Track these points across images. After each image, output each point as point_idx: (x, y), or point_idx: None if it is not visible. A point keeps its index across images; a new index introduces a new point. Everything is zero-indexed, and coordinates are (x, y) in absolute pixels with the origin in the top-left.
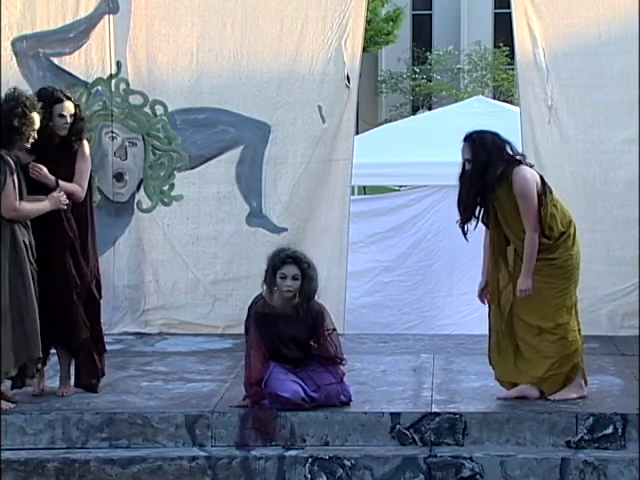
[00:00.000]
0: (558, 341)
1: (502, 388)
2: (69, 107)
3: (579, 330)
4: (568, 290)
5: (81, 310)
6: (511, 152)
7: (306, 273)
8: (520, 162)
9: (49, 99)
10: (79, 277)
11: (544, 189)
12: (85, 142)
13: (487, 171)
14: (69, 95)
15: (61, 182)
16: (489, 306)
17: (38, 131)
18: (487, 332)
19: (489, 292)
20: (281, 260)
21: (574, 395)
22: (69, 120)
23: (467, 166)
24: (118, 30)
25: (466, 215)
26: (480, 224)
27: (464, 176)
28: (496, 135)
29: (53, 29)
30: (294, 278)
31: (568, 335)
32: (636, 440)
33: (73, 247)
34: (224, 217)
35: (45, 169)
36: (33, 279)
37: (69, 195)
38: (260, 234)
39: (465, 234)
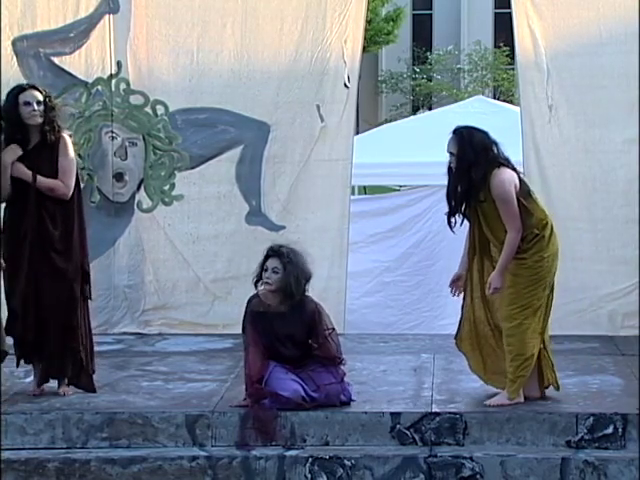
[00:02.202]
0: (519, 343)
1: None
2: (34, 94)
3: (543, 334)
4: (536, 292)
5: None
6: (496, 153)
7: (286, 267)
8: (501, 164)
9: (13, 91)
10: (58, 276)
11: (522, 192)
12: (67, 137)
13: (471, 171)
14: (36, 86)
15: (39, 177)
16: (464, 298)
17: (9, 127)
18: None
19: (461, 285)
20: (266, 254)
21: (507, 402)
22: (36, 107)
23: (450, 159)
24: (118, 30)
25: (453, 208)
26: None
27: (450, 170)
28: (485, 134)
29: (54, 29)
30: (274, 271)
31: (527, 337)
32: (636, 440)
33: (54, 245)
34: (224, 216)
35: (20, 164)
36: None
37: (49, 191)
38: (259, 232)
39: (451, 227)
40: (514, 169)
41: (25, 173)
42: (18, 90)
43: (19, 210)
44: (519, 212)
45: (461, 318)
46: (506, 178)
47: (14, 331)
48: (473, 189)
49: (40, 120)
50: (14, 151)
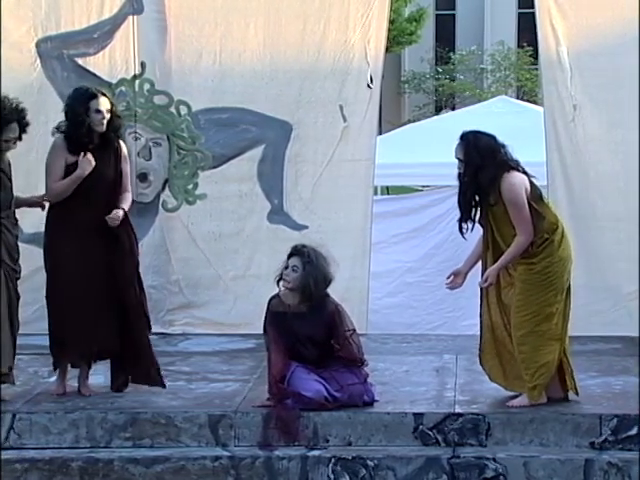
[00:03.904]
0: (531, 350)
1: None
2: (105, 102)
3: (562, 339)
4: (546, 298)
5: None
6: (505, 157)
7: (305, 267)
8: (511, 167)
9: (84, 96)
10: (131, 280)
11: (533, 196)
12: (122, 142)
13: (479, 175)
14: (104, 92)
15: (124, 206)
16: (480, 305)
17: (77, 130)
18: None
19: (458, 281)
20: (289, 252)
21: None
22: (106, 115)
23: (459, 165)
24: (142, 31)
25: (464, 214)
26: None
27: (460, 176)
28: (492, 138)
29: (78, 30)
30: (293, 269)
31: (544, 344)
32: None
33: (133, 250)
34: (245, 214)
35: (122, 212)
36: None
37: (128, 205)
38: (281, 231)
39: (462, 233)
40: (525, 172)
41: (122, 209)
42: (90, 96)
43: (90, 214)
44: (530, 216)
45: (481, 326)
46: (516, 182)
47: (87, 335)
48: (482, 193)
49: (105, 128)
50: (90, 163)
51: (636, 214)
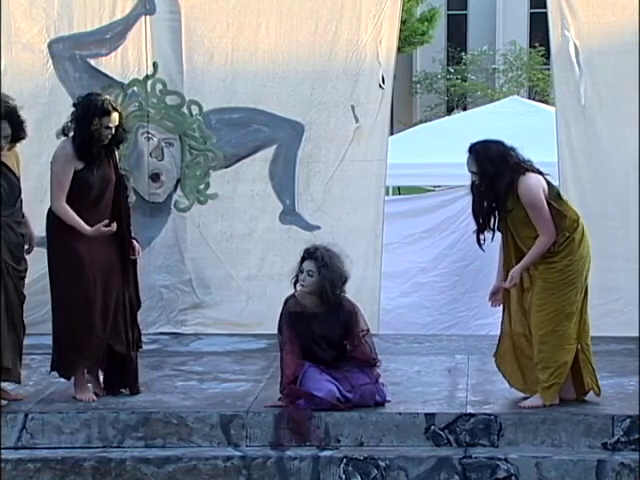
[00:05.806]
0: (552, 349)
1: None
2: (115, 119)
3: (580, 339)
4: (568, 297)
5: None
6: (517, 160)
7: (320, 271)
8: (526, 170)
9: (99, 110)
10: (135, 281)
11: (551, 195)
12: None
13: (495, 183)
14: (115, 106)
15: (133, 240)
16: (503, 314)
17: (90, 143)
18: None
19: (500, 298)
20: (302, 256)
21: (541, 403)
22: (113, 131)
23: (474, 178)
24: (154, 31)
25: (482, 225)
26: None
27: (474, 187)
28: (500, 144)
29: (90, 30)
30: (308, 274)
31: (564, 343)
32: None
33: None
34: (257, 214)
35: (137, 245)
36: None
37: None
38: (293, 231)
39: (480, 244)
40: (539, 172)
41: (137, 241)
42: (104, 112)
43: (99, 218)
44: (551, 215)
45: (500, 334)
46: (532, 184)
47: (105, 338)
48: (500, 201)
49: (108, 141)
50: (106, 234)
51: None
